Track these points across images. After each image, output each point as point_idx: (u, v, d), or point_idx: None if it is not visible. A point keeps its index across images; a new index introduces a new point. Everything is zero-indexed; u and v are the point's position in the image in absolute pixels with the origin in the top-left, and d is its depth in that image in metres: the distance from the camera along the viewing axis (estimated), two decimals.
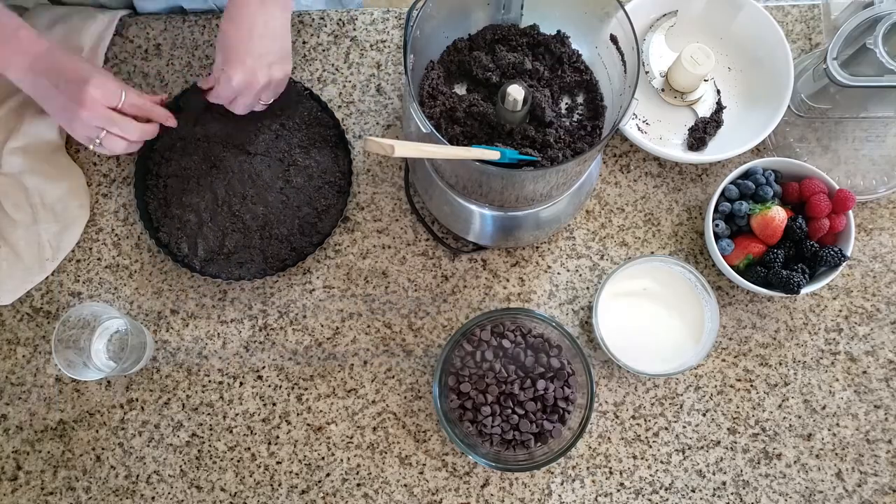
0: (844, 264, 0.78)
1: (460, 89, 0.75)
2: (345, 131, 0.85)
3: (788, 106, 0.84)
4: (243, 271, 0.81)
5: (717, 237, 0.80)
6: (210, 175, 0.83)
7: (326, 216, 0.83)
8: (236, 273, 0.81)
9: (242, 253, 0.81)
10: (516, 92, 0.67)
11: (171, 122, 0.81)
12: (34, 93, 0.76)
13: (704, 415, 0.82)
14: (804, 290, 0.77)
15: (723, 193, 0.81)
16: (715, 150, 0.85)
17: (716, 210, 0.81)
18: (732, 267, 0.80)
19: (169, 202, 0.83)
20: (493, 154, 0.65)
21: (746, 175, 0.82)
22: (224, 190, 0.82)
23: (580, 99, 0.76)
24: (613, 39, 0.70)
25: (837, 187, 0.79)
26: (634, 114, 0.86)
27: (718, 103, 0.87)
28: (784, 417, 0.82)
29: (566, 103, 0.76)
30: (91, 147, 0.76)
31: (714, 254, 0.81)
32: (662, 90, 0.87)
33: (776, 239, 0.79)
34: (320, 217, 0.83)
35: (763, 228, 0.78)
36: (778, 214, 0.78)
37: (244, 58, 0.74)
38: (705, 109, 0.87)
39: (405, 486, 0.80)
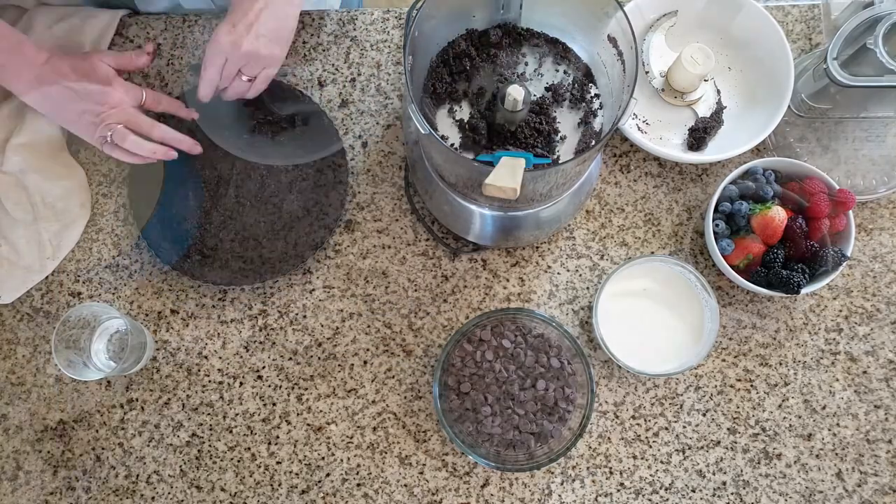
0: (844, 264, 0.78)
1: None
2: (337, 131, 0.84)
3: (788, 106, 0.84)
4: (245, 275, 0.82)
5: (717, 237, 0.80)
6: (205, 181, 0.84)
7: (323, 219, 0.83)
8: (235, 278, 0.81)
9: (237, 260, 0.82)
10: (516, 92, 0.67)
11: (196, 149, 0.82)
12: (43, 105, 0.77)
13: (704, 415, 0.82)
14: (804, 290, 0.77)
15: (723, 193, 0.81)
16: (715, 150, 0.85)
17: (716, 210, 0.81)
18: (732, 267, 0.80)
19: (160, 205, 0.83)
20: (520, 161, 0.65)
21: (746, 175, 0.82)
22: (220, 196, 0.83)
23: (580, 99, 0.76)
24: (612, 40, 0.70)
25: (837, 187, 0.79)
26: (634, 114, 0.86)
27: (718, 103, 0.87)
28: (784, 417, 0.82)
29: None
30: (104, 149, 0.77)
31: (714, 254, 0.81)
32: (662, 90, 0.87)
33: (776, 239, 0.79)
34: (316, 222, 0.83)
35: (763, 228, 0.78)
36: (778, 214, 0.78)
37: (236, 22, 0.75)
38: (705, 109, 0.87)
39: (405, 486, 0.80)
